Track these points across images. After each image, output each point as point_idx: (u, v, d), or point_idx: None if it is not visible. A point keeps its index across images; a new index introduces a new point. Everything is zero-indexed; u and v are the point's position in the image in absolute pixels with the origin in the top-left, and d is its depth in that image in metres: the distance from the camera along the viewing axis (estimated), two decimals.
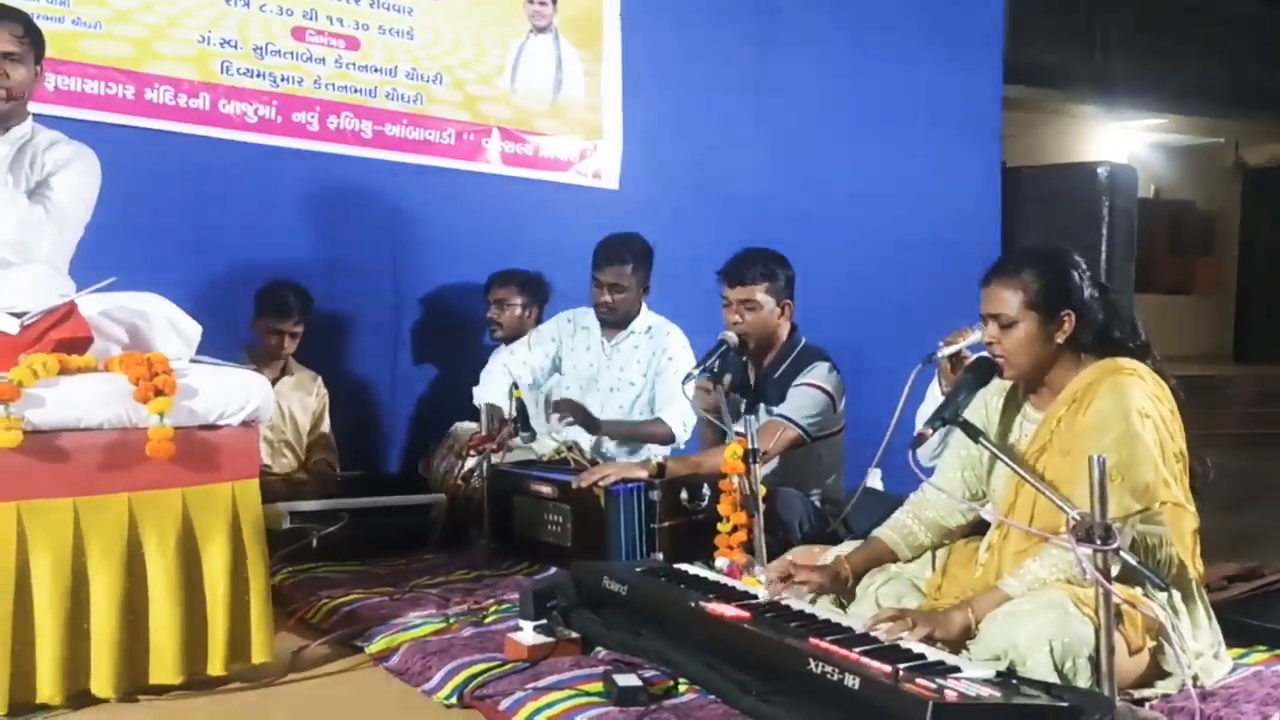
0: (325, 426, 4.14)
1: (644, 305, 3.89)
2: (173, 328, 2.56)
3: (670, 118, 5.00)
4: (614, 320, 3.81)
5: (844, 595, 2.54)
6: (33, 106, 2.91)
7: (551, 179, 4.78)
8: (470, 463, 3.63)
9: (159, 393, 2.21)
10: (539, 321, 4.31)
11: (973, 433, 2.28)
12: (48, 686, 2.09)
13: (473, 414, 4.14)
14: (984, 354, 2.41)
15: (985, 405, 2.49)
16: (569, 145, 4.81)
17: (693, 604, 2.35)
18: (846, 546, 2.64)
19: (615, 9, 4.89)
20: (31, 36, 2.79)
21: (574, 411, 3.60)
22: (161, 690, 2.24)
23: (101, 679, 2.13)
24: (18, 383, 2.09)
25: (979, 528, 2.53)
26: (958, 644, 2.17)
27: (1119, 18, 10.07)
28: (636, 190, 4.93)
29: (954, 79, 5.70)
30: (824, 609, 2.40)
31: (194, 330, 2.58)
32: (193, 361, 2.50)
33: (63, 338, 2.33)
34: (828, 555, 2.61)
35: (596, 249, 3.81)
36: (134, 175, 3.46)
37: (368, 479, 4.08)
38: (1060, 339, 2.31)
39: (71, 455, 2.17)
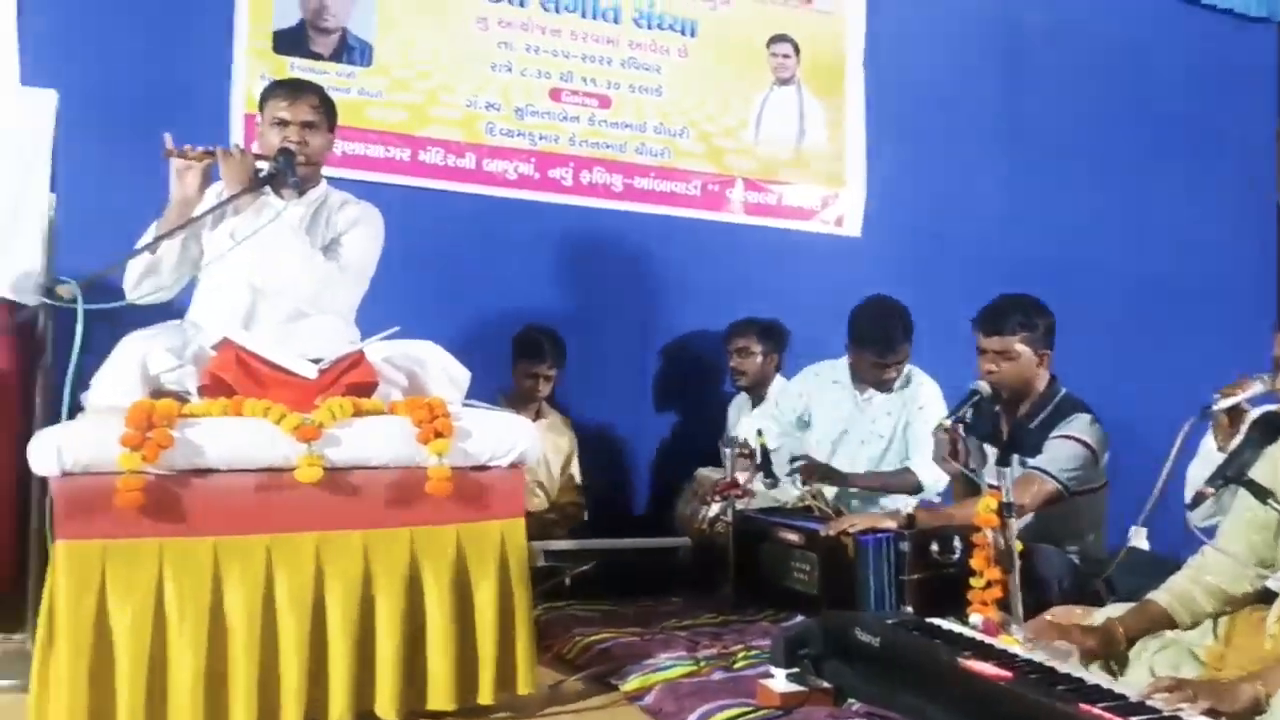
0: (575, 469, 4.29)
1: None
2: (445, 374, 2.73)
3: (913, 164, 4.95)
4: (887, 390, 3.79)
5: (1114, 660, 2.41)
6: (324, 170, 3.20)
7: (794, 227, 4.82)
8: (715, 508, 3.68)
9: (439, 435, 2.37)
10: (780, 369, 4.33)
11: (1261, 493, 2.13)
12: (339, 705, 2.25)
13: (715, 460, 4.20)
14: (1271, 408, 2.25)
15: (1275, 464, 2.32)
16: (811, 194, 4.84)
17: (950, 660, 2.29)
18: (1115, 608, 2.51)
19: (858, 58, 4.91)
20: (326, 107, 3.05)
21: (817, 473, 3.61)
22: (436, 716, 2.37)
23: (385, 701, 2.28)
24: (319, 424, 2.29)
25: (1266, 595, 2.35)
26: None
27: None
28: (879, 237, 4.90)
29: (1222, 117, 5.38)
30: (1092, 673, 2.29)
31: (464, 376, 2.75)
32: (464, 405, 2.66)
33: (353, 382, 2.54)
34: (1094, 616, 2.49)
35: (861, 321, 3.73)
36: (408, 231, 3.72)
37: (614, 521, 4.20)
38: None
39: (362, 491, 2.35)
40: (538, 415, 4.20)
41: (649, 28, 4.56)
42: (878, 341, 3.67)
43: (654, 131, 4.57)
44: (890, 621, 2.67)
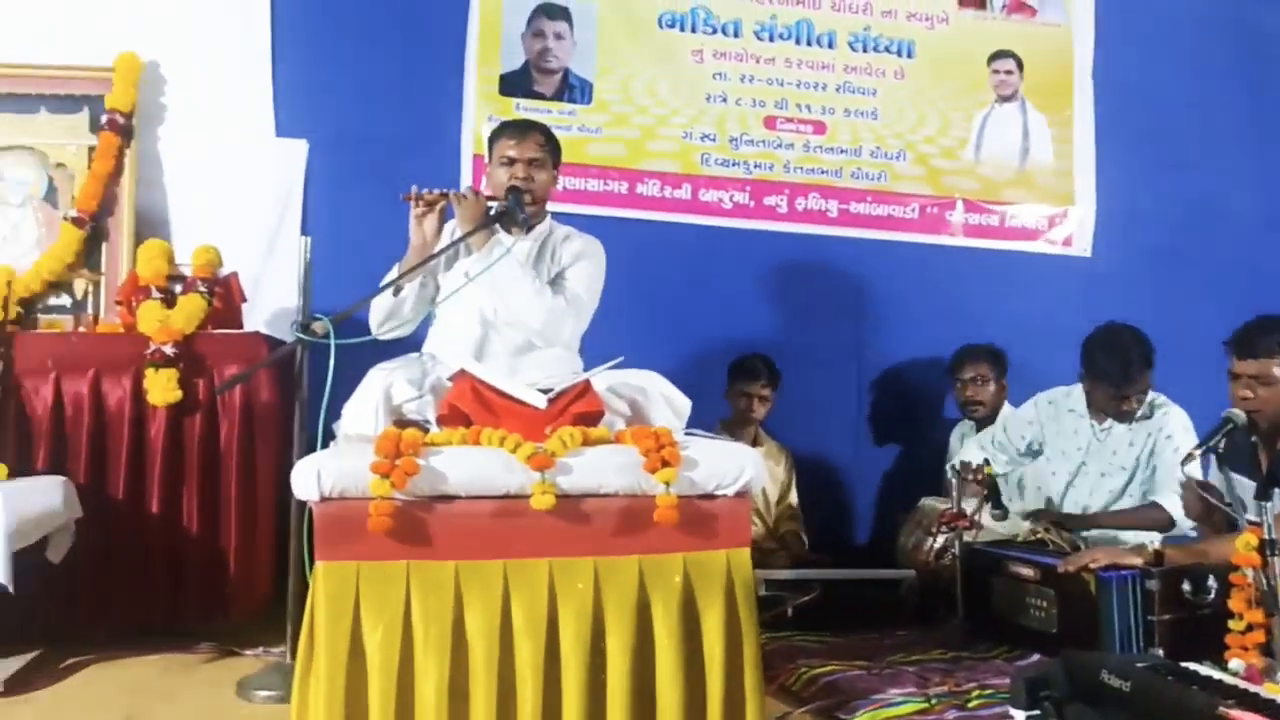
0: (793, 497, 4.26)
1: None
2: (667, 402, 2.75)
3: (1148, 177, 4.71)
4: (1127, 420, 3.59)
5: None
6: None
7: (1018, 249, 4.65)
8: (940, 539, 3.57)
9: (665, 463, 2.39)
10: (1006, 397, 4.18)
11: None
12: None
13: (936, 489, 4.08)
14: None
15: None
16: (1037, 213, 4.66)
17: (1210, 708, 2.13)
18: None
19: (1086, 70, 4.70)
20: (551, 145, 3.17)
21: (1053, 522, 3.43)
22: None
23: None
24: (551, 453, 2.36)
25: None
26: None
27: None
28: (1111, 256, 4.67)
29: None
30: None
31: (685, 405, 2.76)
32: (686, 434, 2.68)
33: (580, 412, 2.60)
34: None
35: (1095, 353, 3.52)
36: (626, 262, 3.80)
37: (833, 551, 4.13)
38: None
39: (592, 518, 2.39)
40: (755, 442, 4.19)
41: (864, 51, 4.51)
42: (1114, 374, 3.46)
43: (870, 155, 4.51)
44: (1141, 665, 2.50)
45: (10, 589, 2.74)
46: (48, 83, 3.84)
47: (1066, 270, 4.65)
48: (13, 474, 2.99)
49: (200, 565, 3.31)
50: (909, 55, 4.56)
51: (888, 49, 4.54)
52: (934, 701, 2.64)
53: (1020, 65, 4.67)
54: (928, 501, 3.95)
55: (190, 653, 3.15)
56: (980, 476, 3.53)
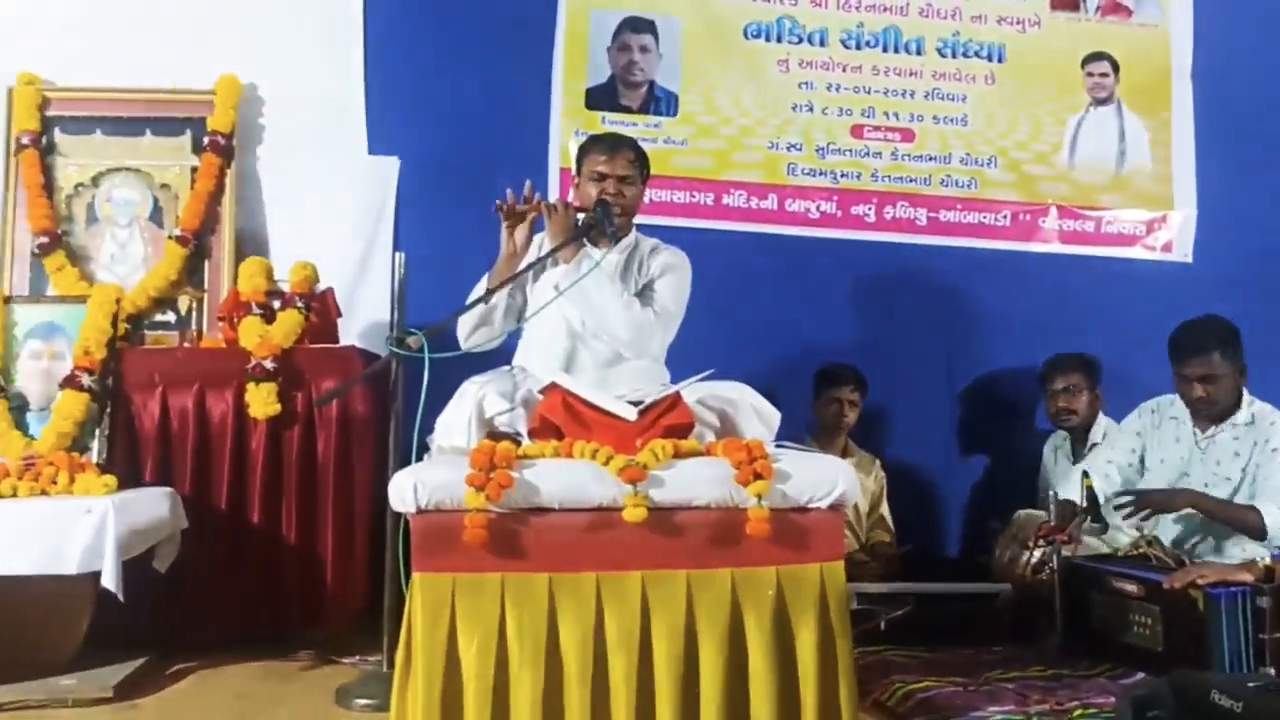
0: (884, 509, 4.20)
1: (1244, 392, 3.46)
2: (756, 414, 2.75)
3: (1253, 179, 4.55)
4: (1213, 414, 3.46)
5: None
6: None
7: (1115, 255, 4.53)
8: (1038, 553, 3.48)
9: (758, 476, 2.38)
10: (1101, 408, 4.08)
11: None
12: None
13: (1030, 501, 3.99)
14: None
15: None
16: (1134, 218, 4.54)
17: None
18: None
19: (1185, 70, 4.58)
20: (640, 160, 3.18)
21: (1150, 501, 3.31)
22: None
23: None
24: (643, 465, 2.36)
25: None
26: None
27: None
28: (1214, 262, 4.53)
29: None
30: None
31: (774, 416, 2.76)
32: (778, 446, 2.66)
33: (670, 424, 2.60)
34: None
35: (1173, 340, 3.45)
36: (712, 273, 3.79)
37: (924, 564, 4.06)
38: None
39: (684, 531, 2.39)
40: (844, 453, 4.14)
41: (954, 56, 4.45)
42: (1184, 349, 3.36)
43: (960, 162, 4.44)
44: (1253, 684, 2.42)
45: (121, 597, 2.83)
46: (152, 106, 3.99)
47: (1166, 277, 4.53)
48: (122, 485, 3.08)
49: (298, 575, 3.39)
50: (999, 60, 4.48)
51: (977, 54, 4.47)
52: None
53: (1115, 67, 4.56)
54: (1024, 514, 3.86)
55: (289, 660, 3.22)
56: (1074, 509, 3.43)
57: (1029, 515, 3.79)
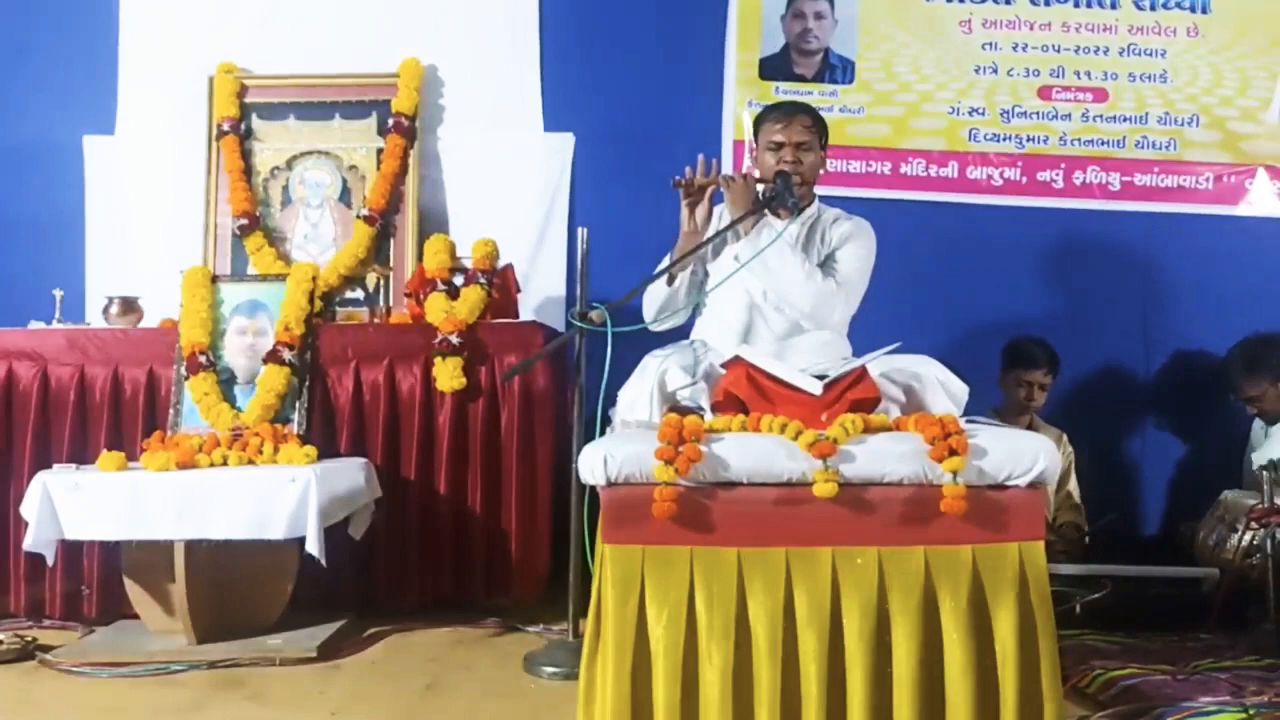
0: (1072, 486, 4.03)
1: None
2: (943, 388, 2.66)
3: None
4: None
5: None
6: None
7: None
8: (1249, 536, 3.27)
9: (953, 452, 2.30)
10: None
11: None
12: None
13: (1234, 480, 3.76)
14: None
15: None
16: None
17: None
18: None
19: None
20: (818, 126, 3.12)
21: None
22: None
23: None
24: (833, 440, 2.31)
25: None
26: None
27: None
28: None
29: None
30: None
31: (962, 391, 2.66)
32: (968, 421, 2.57)
33: (856, 398, 2.54)
34: None
35: None
36: (890, 244, 3.69)
37: (1116, 545, 3.87)
38: None
39: (875, 508, 2.33)
40: (1029, 428, 3.98)
41: (1152, 9, 4.19)
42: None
43: (1157, 122, 4.19)
44: None
45: (324, 562, 2.96)
46: (341, 90, 4.14)
47: None
48: (320, 456, 3.22)
49: (484, 544, 3.48)
50: (1204, 10, 4.19)
51: (1179, 5, 4.19)
52: (1254, 713, 2.42)
53: None
54: (1231, 495, 3.63)
55: (477, 627, 3.31)
56: None
57: (1237, 496, 3.57)
